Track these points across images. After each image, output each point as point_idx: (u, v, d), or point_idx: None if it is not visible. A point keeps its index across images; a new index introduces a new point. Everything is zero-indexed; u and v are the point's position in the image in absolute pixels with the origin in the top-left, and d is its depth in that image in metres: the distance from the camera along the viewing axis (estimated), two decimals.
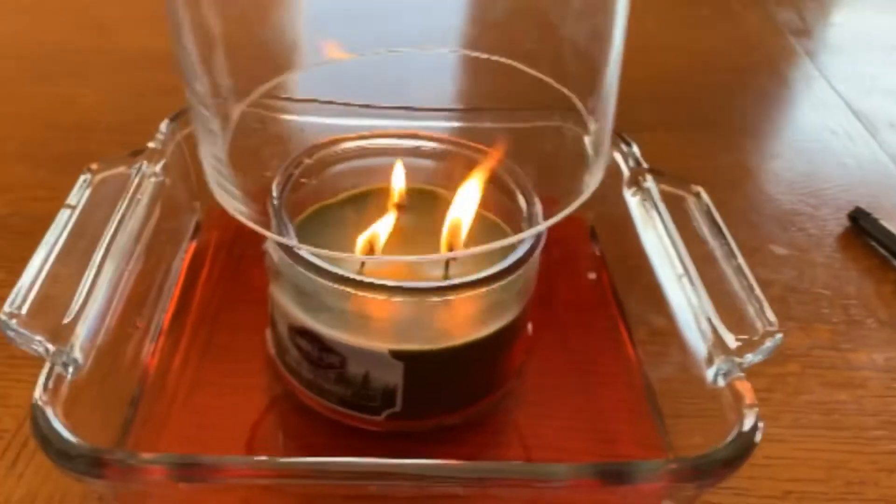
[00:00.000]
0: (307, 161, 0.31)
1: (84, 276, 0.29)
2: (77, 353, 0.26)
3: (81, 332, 0.27)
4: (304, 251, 0.26)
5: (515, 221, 0.30)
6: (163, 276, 0.34)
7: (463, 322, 0.27)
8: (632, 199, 0.36)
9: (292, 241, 0.27)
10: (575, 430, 0.30)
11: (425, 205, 0.31)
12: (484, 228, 0.30)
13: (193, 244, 0.37)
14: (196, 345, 0.32)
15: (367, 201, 0.32)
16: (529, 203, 0.29)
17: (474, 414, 0.29)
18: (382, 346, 0.26)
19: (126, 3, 0.64)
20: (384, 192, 0.32)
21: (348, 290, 0.26)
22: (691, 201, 0.35)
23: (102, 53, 0.57)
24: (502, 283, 0.27)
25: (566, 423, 0.31)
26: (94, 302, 0.28)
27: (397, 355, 0.26)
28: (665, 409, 0.30)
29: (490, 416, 0.30)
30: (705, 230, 0.33)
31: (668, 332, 0.32)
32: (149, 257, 0.33)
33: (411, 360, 0.27)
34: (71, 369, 0.26)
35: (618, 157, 0.37)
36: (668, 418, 0.30)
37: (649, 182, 0.35)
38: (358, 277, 0.26)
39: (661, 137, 0.49)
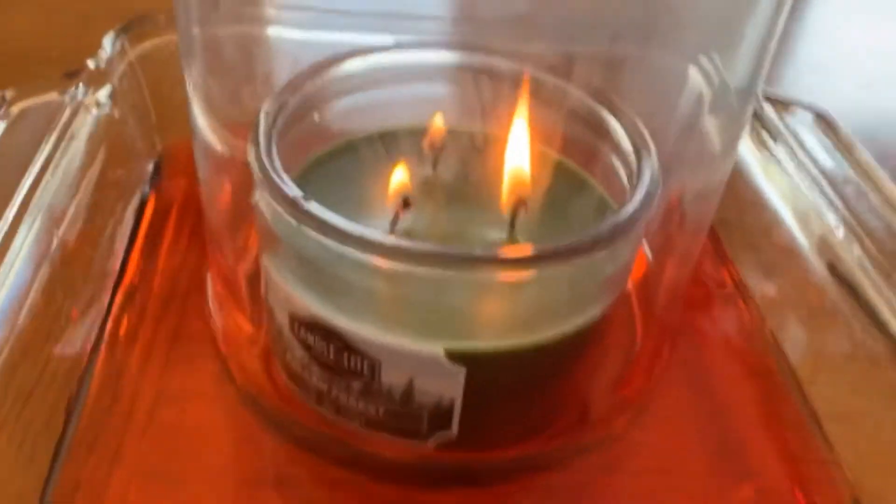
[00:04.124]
0: (308, 85, 0.22)
1: None
2: None
3: None
4: (315, 206, 0.17)
5: (608, 173, 0.21)
6: (109, 243, 0.25)
7: (548, 309, 0.19)
8: None
9: (294, 190, 0.18)
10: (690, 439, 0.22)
11: (478, 155, 0.23)
12: (563, 181, 0.22)
13: (152, 198, 0.28)
14: (159, 338, 0.23)
15: (391, 146, 0.23)
16: (640, 148, 0.20)
17: (558, 444, 0.20)
18: (435, 343, 0.18)
19: None
20: (415, 134, 0.23)
21: (385, 262, 0.17)
22: (813, 128, 0.26)
23: None
24: (605, 251, 0.18)
25: (677, 427, 0.22)
26: (4, 282, 0.19)
27: (457, 357, 0.18)
28: (821, 408, 0.22)
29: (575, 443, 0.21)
30: (834, 167, 0.25)
31: (807, 305, 0.23)
32: (90, 217, 0.24)
33: (477, 364, 0.18)
34: None
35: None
36: (826, 422, 0.22)
37: (765, 105, 0.26)
38: (400, 243, 0.17)
39: None
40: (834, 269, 0.23)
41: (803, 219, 0.23)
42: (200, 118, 0.22)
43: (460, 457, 0.19)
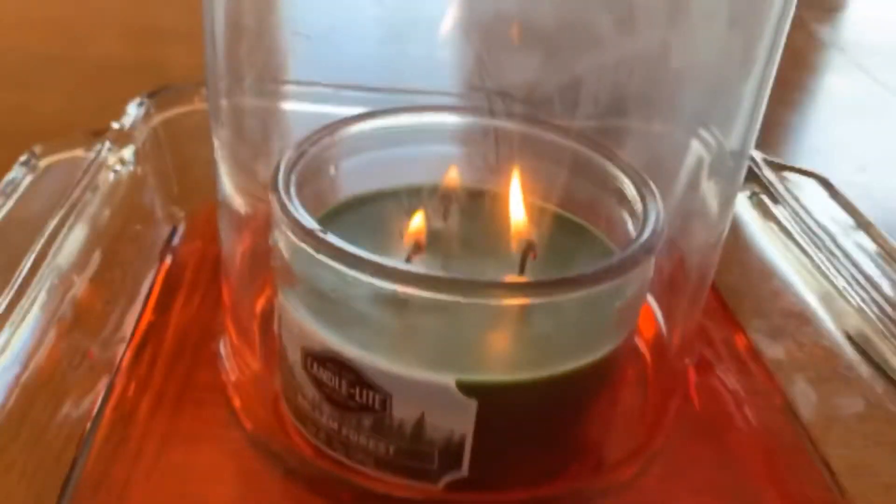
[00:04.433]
0: (326, 139, 0.23)
1: (11, 282, 0.20)
2: None
3: None
4: (332, 236, 0.18)
5: (615, 227, 0.22)
6: (128, 294, 0.25)
7: (559, 343, 0.19)
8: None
9: (312, 223, 0.18)
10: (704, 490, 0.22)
11: (487, 209, 0.23)
12: (569, 236, 0.22)
13: (168, 257, 0.28)
14: (170, 386, 0.23)
15: (403, 200, 0.24)
16: (644, 194, 0.21)
17: (570, 487, 0.20)
18: (446, 374, 0.18)
19: (93, 8, 0.56)
20: (427, 189, 0.23)
21: (399, 287, 0.17)
22: (816, 193, 0.27)
23: (65, 60, 0.49)
24: (615, 282, 0.18)
25: (691, 478, 0.22)
26: (19, 328, 0.20)
27: (468, 389, 0.18)
28: (836, 462, 0.22)
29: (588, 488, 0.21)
30: (839, 230, 0.25)
31: (817, 366, 0.24)
32: (107, 271, 0.25)
33: (488, 397, 0.18)
34: None
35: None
36: (842, 477, 0.21)
37: (767, 171, 0.27)
38: (413, 269, 0.17)
39: None
40: (844, 329, 0.23)
41: (812, 281, 0.24)
42: (226, 180, 0.22)
43: (471, 498, 0.19)
